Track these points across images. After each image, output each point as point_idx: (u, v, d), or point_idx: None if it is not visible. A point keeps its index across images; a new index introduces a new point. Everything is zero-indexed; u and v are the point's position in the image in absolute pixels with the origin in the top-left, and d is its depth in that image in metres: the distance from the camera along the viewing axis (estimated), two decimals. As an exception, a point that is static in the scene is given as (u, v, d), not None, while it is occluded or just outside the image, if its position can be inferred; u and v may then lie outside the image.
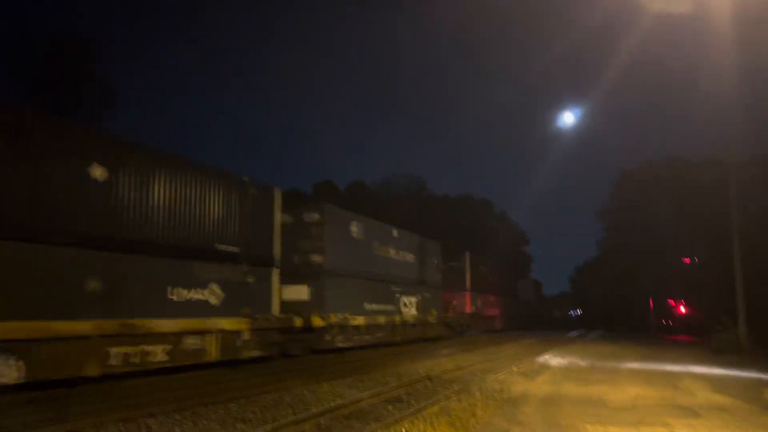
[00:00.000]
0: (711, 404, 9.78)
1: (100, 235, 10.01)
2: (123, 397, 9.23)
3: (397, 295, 21.61)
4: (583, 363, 17.23)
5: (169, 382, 10.90)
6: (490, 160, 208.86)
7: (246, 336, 12.91)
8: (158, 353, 10.67)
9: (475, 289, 33.72)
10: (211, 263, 12.27)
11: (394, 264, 21.59)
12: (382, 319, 19.98)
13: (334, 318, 16.65)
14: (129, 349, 10.13)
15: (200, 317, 11.72)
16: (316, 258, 16.75)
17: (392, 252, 21.58)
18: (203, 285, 11.95)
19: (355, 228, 18.84)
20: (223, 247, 12.62)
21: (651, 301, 49.48)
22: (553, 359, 18.35)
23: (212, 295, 12.11)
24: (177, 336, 11.11)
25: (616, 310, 61.58)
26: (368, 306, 19.17)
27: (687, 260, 42.45)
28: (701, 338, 30.30)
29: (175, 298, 11.25)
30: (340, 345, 17.12)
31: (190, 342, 11.41)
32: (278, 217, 14.65)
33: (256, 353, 13.31)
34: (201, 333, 11.70)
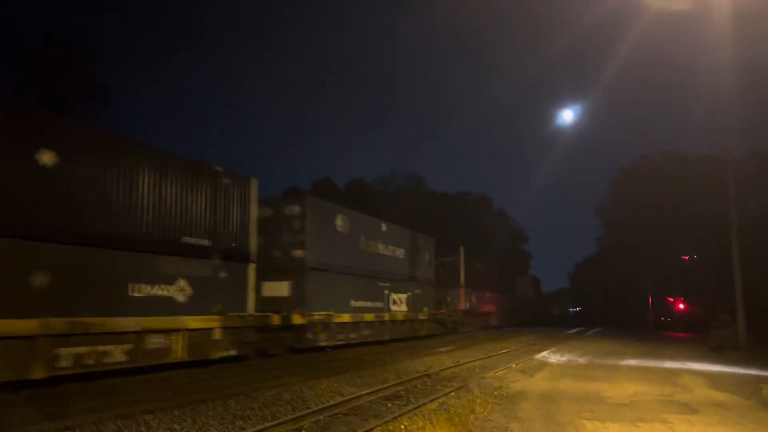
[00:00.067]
0: (709, 401, 9.81)
1: (50, 226, 9.21)
2: (122, 393, 9.22)
3: (386, 292, 21.00)
4: (581, 360, 17.26)
5: (168, 378, 10.90)
6: (490, 157, 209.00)
7: (217, 335, 12.17)
8: (117, 354, 9.90)
9: (470, 285, 33.17)
10: (179, 257, 11.49)
11: (382, 259, 20.99)
12: (369, 317, 19.36)
13: (317, 315, 16.01)
14: (82, 350, 9.33)
15: (165, 315, 10.96)
16: (298, 253, 16.06)
17: (381, 247, 20.94)
18: (169, 281, 11.18)
19: (340, 222, 18.18)
20: (191, 241, 11.86)
21: (650, 298, 49.59)
22: (552, 356, 18.38)
23: (179, 291, 11.38)
24: (138, 335, 10.33)
25: (615, 307, 61.68)
26: (354, 303, 18.54)
27: (686, 257, 42.51)
28: (700, 335, 30.36)
29: (136, 294, 10.46)
30: (323, 344, 16.47)
31: (154, 341, 10.65)
32: (255, 209, 13.90)
33: (229, 353, 12.60)
34: (166, 332, 10.94)
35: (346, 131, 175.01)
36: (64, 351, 9.11)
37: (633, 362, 16.58)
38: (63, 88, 29.81)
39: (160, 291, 10.97)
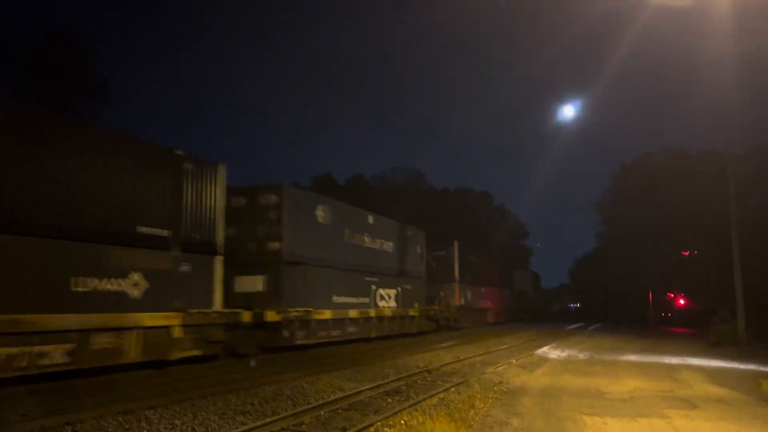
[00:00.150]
0: (709, 396, 9.83)
1: None
2: (123, 389, 9.26)
3: (373, 287, 20.04)
4: (581, 356, 17.29)
5: (169, 374, 10.93)
6: (490, 156, 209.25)
7: (177, 333, 11.12)
8: (56, 355, 8.93)
9: (465, 280, 32.33)
10: (132, 249, 10.46)
11: (369, 253, 19.90)
12: (353, 313, 18.36)
13: (294, 312, 14.97)
14: (12, 351, 8.37)
15: (116, 312, 9.95)
16: (274, 245, 14.99)
17: (367, 240, 19.88)
18: (121, 274, 10.17)
19: (321, 212, 17.10)
20: (148, 230, 10.81)
21: (650, 294, 49.63)
22: (552, 352, 18.42)
23: (133, 285, 10.38)
24: (83, 334, 9.30)
25: (615, 302, 61.77)
26: (337, 299, 17.55)
27: (686, 253, 42.53)
28: (700, 331, 30.39)
29: (80, 289, 9.45)
30: (301, 342, 15.41)
31: (101, 341, 9.63)
32: (222, 197, 12.90)
33: (191, 353, 11.59)
34: (116, 330, 9.93)
35: (347, 131, 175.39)
36: None
37: (633, 358, 16.61)
38: (63, 87, 29.80)
39: (109, 285, 9.95)
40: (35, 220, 9.03)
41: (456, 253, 30.97)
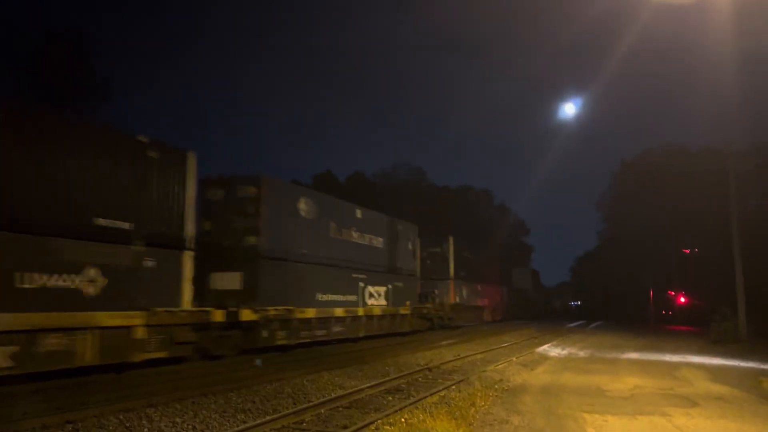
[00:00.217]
0: (709, 394, 9.84)
1: None
2: (124, 387, 9.28)
3: (361, 284, 19.13)
4: (582, 353, 17.30)
5: (169, 372, 10.94)
6: (491, 154, 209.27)
7: (140, 334, 10.31)
8: None
9: (460, 277, 31.24)
10: (88, 242, 9.60)
11: (356, 248, 18.99)
12: (339, 312, 17.50)
13: (273, 311, 14.10)
14: None
15: (68, 310, 9.14)
16: (251, 239, 14.21)
17: (355, 235, 18.95)
18: (74, 270, 9.32)
19: (304, 206, 16.20)
20: (105, 223, 9.92)
21: (651, 292, 49.63)
22: (553, 350, 18.43)
23: (89, 282, 9.53)
24: (29, 335, 8.54)
25: (616, 300, 61.75)
26: (322, 297, 16.68)
27: (687, 251, 42.52)
28: (701, 329, 30.40)
29: (27, 285, 8.61)
30: (282, 342, 14.58)
31: (51, 342, 8.85)
32: (192, 187, 12.01)
33: (157, 354, 10.75)
34: (68, 330, 9.11)
35: (347, 131, 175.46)
36: None
37: (634, 355, 16.61)
38: (63, 86, 29.81)
39: (61, 282, 9.11)
40: None
41: (451, 249, 30.00)
